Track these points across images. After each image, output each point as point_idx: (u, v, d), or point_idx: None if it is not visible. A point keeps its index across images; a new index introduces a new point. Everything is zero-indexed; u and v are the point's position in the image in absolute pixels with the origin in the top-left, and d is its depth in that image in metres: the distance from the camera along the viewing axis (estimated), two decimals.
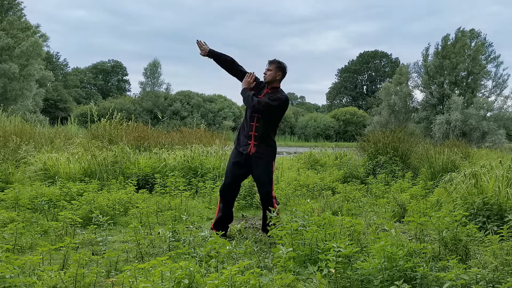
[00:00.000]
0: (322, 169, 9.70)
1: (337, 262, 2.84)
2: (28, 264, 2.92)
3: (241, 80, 4.50)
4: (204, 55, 4.50)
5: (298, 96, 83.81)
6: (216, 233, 3.52)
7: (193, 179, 7.08)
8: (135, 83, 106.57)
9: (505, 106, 30.22)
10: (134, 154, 8.26)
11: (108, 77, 65.04)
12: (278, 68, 4.42)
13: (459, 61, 29.79)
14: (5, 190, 5.50)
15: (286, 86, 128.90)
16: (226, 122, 41.64)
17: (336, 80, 66.45)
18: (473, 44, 30.69)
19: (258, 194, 5.14)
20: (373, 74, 64.38)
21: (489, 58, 31.33)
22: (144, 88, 48.01)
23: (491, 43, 31.62)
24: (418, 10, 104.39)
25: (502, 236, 3.27)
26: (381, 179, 7.74)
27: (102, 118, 9.84)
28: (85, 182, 6.39)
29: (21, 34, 30.50)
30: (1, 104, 14.73)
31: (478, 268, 2.87)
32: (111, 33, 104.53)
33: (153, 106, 43.67)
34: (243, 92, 4.41)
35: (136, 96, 49.01)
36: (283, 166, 9.88)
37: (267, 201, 4.35)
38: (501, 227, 3.40)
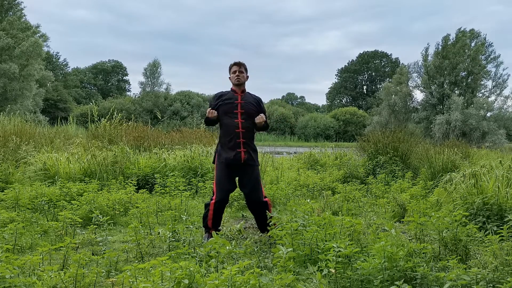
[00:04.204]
0: (322, 169, 9.70)
1: (337, 262, 2.84)
2: (28, 264, 2.92)
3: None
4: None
5: (298, 96, 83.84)
6: (216, 233, 3.52)
7: (193, 179, 7.08)
8: (135, 83, 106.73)
9: (505, 106, 30.29)
10: (134, 154, 8.26)
11: (108, 77, 65.11)
12: (246, 70, 4.46)
13: (459, 61, 29.80)
14: (5, 190, 5.50)
15: (286, 86, 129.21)
16: None
17: (336, 80, 66.50)
18: (473, 44, 30.71)
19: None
20: (373, 74, 64.40)
21: (489, 58, 31.37)
22: (144, 88, 48.04)
23: (491, 43, 31.71)
24: (419, 10, 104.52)
25: (502, 236, 3.27)
26: (381, 179, 7.74)
27: (102, 118, 9.85)
28: (85, 182, 6.39)
29: (21, 34, 30.51)
30: (1, 104, 14.70)
31: (478, 268, 2.86)
32: (111, 33, 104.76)
33: (153, 106, 43.68)
34: (265, 123, 4.35)
35: (136, 96, 49.05)
36: (283, 166, 9.87)
37: (261, 205, 4.32)
38: (501, 227, 3.40)
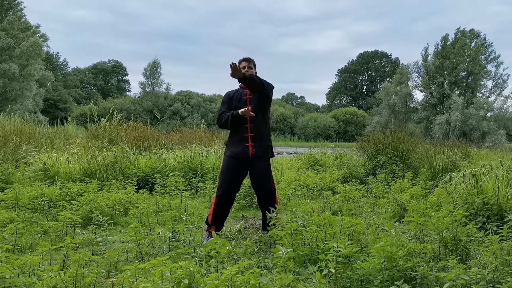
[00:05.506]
0: (322, 169, 9.69)
1: (337, 262, 2.84)
2: (28, 264, 2.91)
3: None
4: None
5: (298, 96, 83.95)
6: (216, 233, 3.52)
7: (193, 179, 7.08)
8: (135, 83, 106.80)
9: (505, 106, 30.31)
10: (134, 154, 8.26)
11: (108, 77, 65.10)
12: (255, 66, 4.48)
13: (459, 61, 29.80)
14: (5, 190, 5.49)
15: (286, 86, 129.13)
16: None
17: (336, 80, 66.51)
18: (473, 44, 30.72)
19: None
20: (373, 74, 64.39)
21: (489, 58, 31.40)
22: (144, 88, 48.04)
23: (491, 43, 31.76)
24: (419, 10, 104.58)
25: (502, 236, 3.26)
26: (381, 179, 7.73)
27: (102, 118, 9.85)
28: (85, 182, 6.39)
29: (21, 34, 30.52)
30: (1, 104, 14.72)
31: (478, 268, 2.86)
32: (111, 33, 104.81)
33: (153, 106, 43.68)
34: (256, 79, 4.08)
35: (136, 96, 49.04)
36: (283, 166, 9.87)
37: (271, 197, 4.34)
38: (501, 227, 3.39)
